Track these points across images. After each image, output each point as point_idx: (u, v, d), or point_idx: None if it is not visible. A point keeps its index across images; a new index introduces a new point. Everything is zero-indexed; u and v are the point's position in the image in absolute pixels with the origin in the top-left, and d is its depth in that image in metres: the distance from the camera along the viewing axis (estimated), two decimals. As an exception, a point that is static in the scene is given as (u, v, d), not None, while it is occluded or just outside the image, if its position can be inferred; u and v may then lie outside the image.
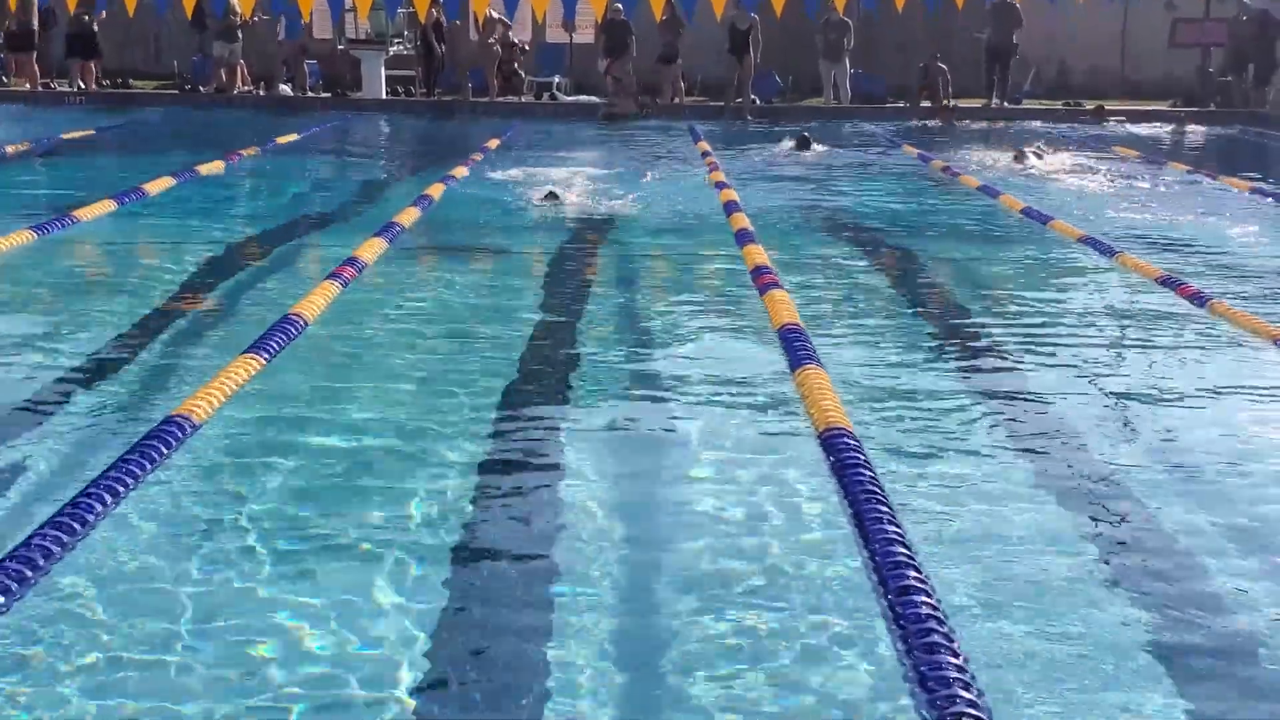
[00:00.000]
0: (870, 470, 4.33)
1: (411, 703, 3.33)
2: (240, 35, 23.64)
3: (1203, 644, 3.80)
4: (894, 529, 3.77)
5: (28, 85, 23.32)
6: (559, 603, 3.85)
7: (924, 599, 3.32)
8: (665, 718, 3.33)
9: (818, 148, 18.14)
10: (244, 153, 15.54)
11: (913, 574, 3.46)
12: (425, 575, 4.06)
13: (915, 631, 3.19)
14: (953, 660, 3.06)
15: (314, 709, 3.29)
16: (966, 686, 2.97)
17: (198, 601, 3.81)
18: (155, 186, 12.06)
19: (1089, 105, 24.58)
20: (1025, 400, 6.19)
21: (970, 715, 2.87)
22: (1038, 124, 22.44)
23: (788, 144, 18.46)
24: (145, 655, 3.50)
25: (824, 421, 4.92)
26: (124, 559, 4.06)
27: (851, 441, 4.64)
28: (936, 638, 3.15)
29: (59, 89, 23.57)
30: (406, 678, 3.43)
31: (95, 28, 23.53)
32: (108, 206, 10.74)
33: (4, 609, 3.40)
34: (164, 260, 9.30)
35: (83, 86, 23.36)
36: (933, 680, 3.00)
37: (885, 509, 3.94)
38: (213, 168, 14.00)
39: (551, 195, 11.59)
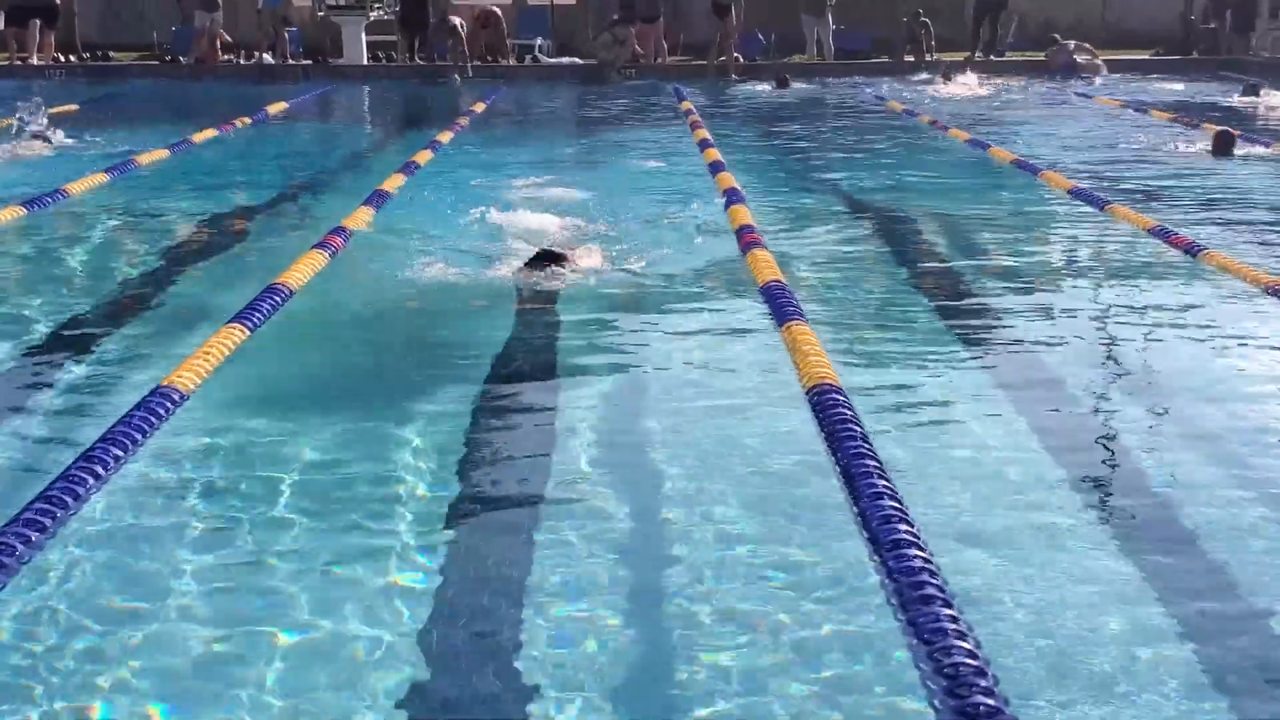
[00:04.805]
0: (859, 425, 4.34)
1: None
2: (221, 3, 23.48)
3: (1190, 584, 3.82)
4: (884, 483, 3.77)
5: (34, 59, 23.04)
6: (554, 577, 3.82)
7: (916, 552, 3.33)
8: (662, 679, 3.33)
9: (796, 86, 21.07)
10: (237, 122, 15.47)
11: (904, 528, 3.47)
12: (426, 546, 4.05)
13: (909, 584, 3.20)
14: (947, 611, 3.07)
15: (310, 682, 3.29)
16: (962, 637, 2.98)
17: (186, 578, 3.79)
18: (147, 159, 12.00)
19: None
20: (1017, 352, 6.19)
21: (967, 665, 2.87)
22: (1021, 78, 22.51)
23: (769, 84, 21.43)
24: (131, 629, 3.48)
25: (813, 377, 4.92)
26: (117, 531, 4.05)
27: (840, 397, 4.64)
28: (930, 590, 3.15)
29: (37, 62, 23.33)
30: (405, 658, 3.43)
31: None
32: (99, 179, 10.68)
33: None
34: (152, 232, 9.22)
35: (39, 56, 23.07)
36: (928, 632, 3.01)
37: (874, 463, 3.95)
38: (203, 137, 13.94)
39: (547, 257, 7.29)
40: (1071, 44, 24.12)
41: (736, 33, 23.49)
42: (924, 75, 22.67)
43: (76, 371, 5.81)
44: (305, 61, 24.09)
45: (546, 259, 7.13)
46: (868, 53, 25.10)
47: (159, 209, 9.97)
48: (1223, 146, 12.67)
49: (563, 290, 6.90)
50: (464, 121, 15.71)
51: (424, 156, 12.13)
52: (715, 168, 11.27)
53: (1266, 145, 13.14)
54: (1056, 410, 5.35)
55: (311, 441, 4.81)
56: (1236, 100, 18.67)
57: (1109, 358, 6.11)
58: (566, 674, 3.26)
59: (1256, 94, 18.53)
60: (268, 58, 23.91)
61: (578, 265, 7.14)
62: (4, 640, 3.39)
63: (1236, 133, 12.99)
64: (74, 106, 17.36)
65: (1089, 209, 9.67)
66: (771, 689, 3.20)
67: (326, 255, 7.42)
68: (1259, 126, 15.67)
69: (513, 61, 24.38)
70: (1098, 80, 22.80)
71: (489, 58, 24.00)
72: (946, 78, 21.69)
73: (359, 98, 20.81)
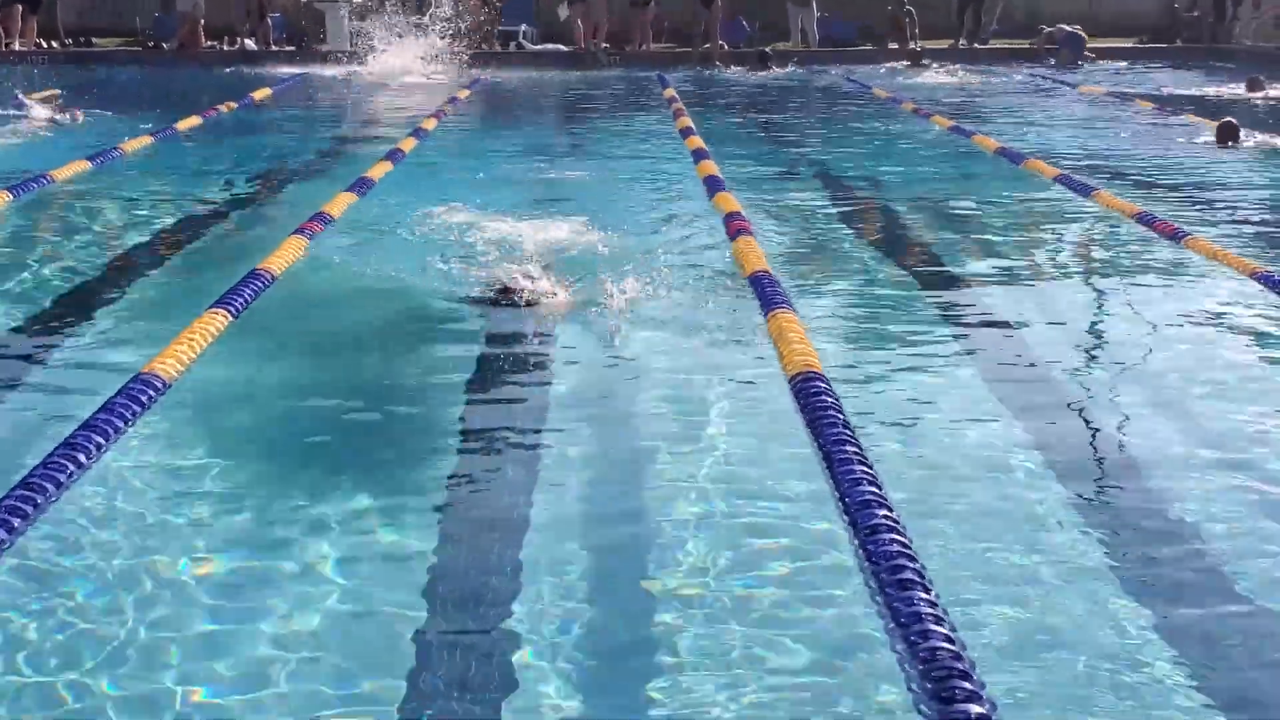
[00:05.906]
0: (841, 412, 4.35)
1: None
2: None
3: (1166, 565, 3.85)
4: (864, 469, 3.78)
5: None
6: (533, 576, 3.81)
7: (894, 537, 3.34)
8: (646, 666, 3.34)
9: (776, 69, 21.80)
10: (221, 108, 15.41)
11: (883, 513, 3.48)
12: (413, 534, 4.05)
13: (887, 569, 3.21)
14: (924, 596, 3.08)
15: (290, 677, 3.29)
16: (939, 622, 2.98)
17: (163, 575, 3.78)
18: (130, 145, 11.94)
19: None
20: (1001, 340, 6.20)
21: (944, 650, 2.88)
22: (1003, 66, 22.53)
23: (749, 64, 22.10)
24: (105, 625, 3.46)
25: (796, 365, 4.93)
26: (99, 519, 4.04)
27: (822, 384, 4.65)
28: (908, 574, 3.16)
29: (19, 48, 23.17)
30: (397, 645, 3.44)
31: None
32: (82, 166, 10.61)
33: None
34: (135, 218, 9.15)
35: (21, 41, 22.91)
36: (905, 617, 3.02)
37: (855, 449, 3.96)
38: (187, 123, 13.88)
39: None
40: (1066, 30, 23.98)
41: (720, 20, 23.48)
42: (908, 63, 22.67)
43: (58, 358, 5.79)
44: (288, 48, 23.98)
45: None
46: (853, 40, 25.10)
47: (142, 195, 9.92)
48: (1228, 136, 12.61)
49: (544, 277, 6.87)
50: (449, 109, 15.68)
51: (409, 144, 12.10)
52: (698, 155, 11.26)
53: (1272, 136, 12.99)
54: (1041, 396, 5.36)
55: (290, 434, 4.81)
56: (1240, 93, 18.09)
57: (1092, 343, 6.13)
58: (561, 674, 3.28)
59: (1261, 87, 17.85)
60: (251, 44, 23.82)
61: (541, 289, 6.77)
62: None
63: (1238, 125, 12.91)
64: (56, 92, 17.26)
65: (1075, 196, 9.67)
66: (754, 674, 3.21)
67: (307, 241, 7.40)
68: (1263, 118, 15.50)
69: (497, 48, 24.31)
70: (1089, 67, 22.83)
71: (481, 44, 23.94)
72: (931, 65, 21.77)
73: (342, 84, 20.70)
